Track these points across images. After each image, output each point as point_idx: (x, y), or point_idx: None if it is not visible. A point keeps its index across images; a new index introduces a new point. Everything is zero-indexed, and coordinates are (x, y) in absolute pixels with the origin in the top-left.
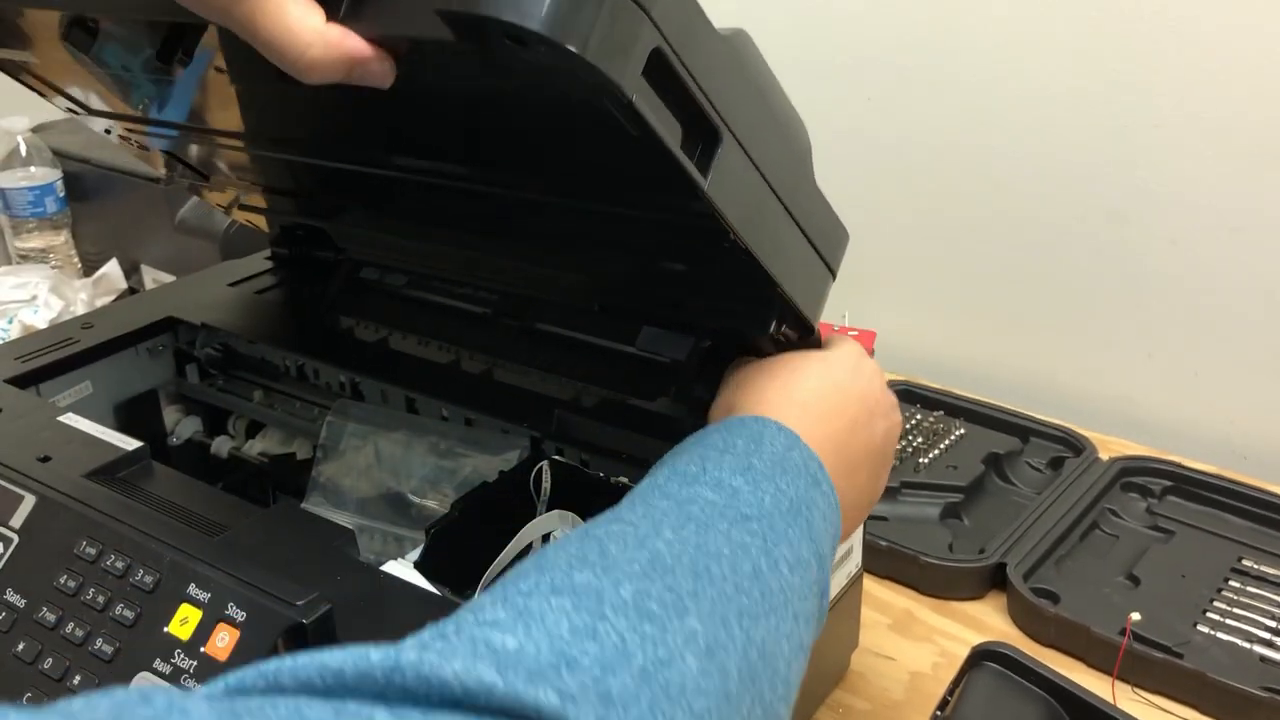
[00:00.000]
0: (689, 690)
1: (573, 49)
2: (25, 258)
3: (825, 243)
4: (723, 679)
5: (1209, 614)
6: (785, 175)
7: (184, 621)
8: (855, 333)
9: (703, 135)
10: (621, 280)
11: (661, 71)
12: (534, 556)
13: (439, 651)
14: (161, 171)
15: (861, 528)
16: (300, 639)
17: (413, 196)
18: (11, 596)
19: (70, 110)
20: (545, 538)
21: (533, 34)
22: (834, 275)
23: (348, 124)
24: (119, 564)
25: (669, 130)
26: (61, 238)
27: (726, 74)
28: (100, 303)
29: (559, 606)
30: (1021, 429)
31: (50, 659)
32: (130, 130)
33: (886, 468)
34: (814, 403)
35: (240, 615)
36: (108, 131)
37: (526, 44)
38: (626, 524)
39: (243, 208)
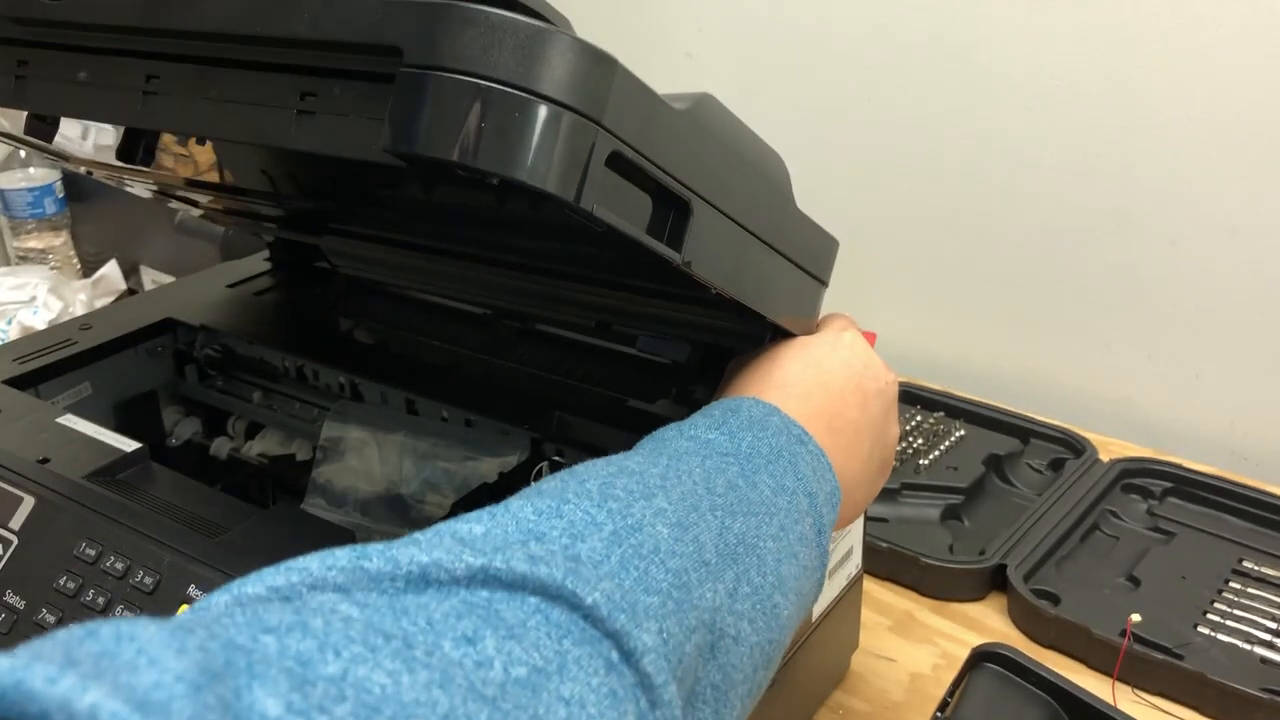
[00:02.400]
0: (662, 551)
1: (528, 181)
2: (24, 259)
3: (814, 261)
4: (697, 548)
5: (1209, 615)
6: (764, 216)
7: None
8: None
9: (673, 209)
10: (615, 302)
11: (622, 167)
12: None
13: (406, 544)
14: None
15: (862, 530)
16: None
17: (404, 218)
18: (11, 598)
19: (48, 155)
20: None
21: (483, 171)
22: (826, 285)
23: (327, 189)
24: (119, 565)
25: (636, 225)
26: (61, 239)
27: (691, 147)
28: (99, 304)
29: (524, 499)
30: (1022, 430)
31: None
32: (109, 175)
33: (889, 434)
34: (794, 383)
35: None
36: (89, 173)
37: (480, 173)
38: (600, 458)
39: (234, 215)
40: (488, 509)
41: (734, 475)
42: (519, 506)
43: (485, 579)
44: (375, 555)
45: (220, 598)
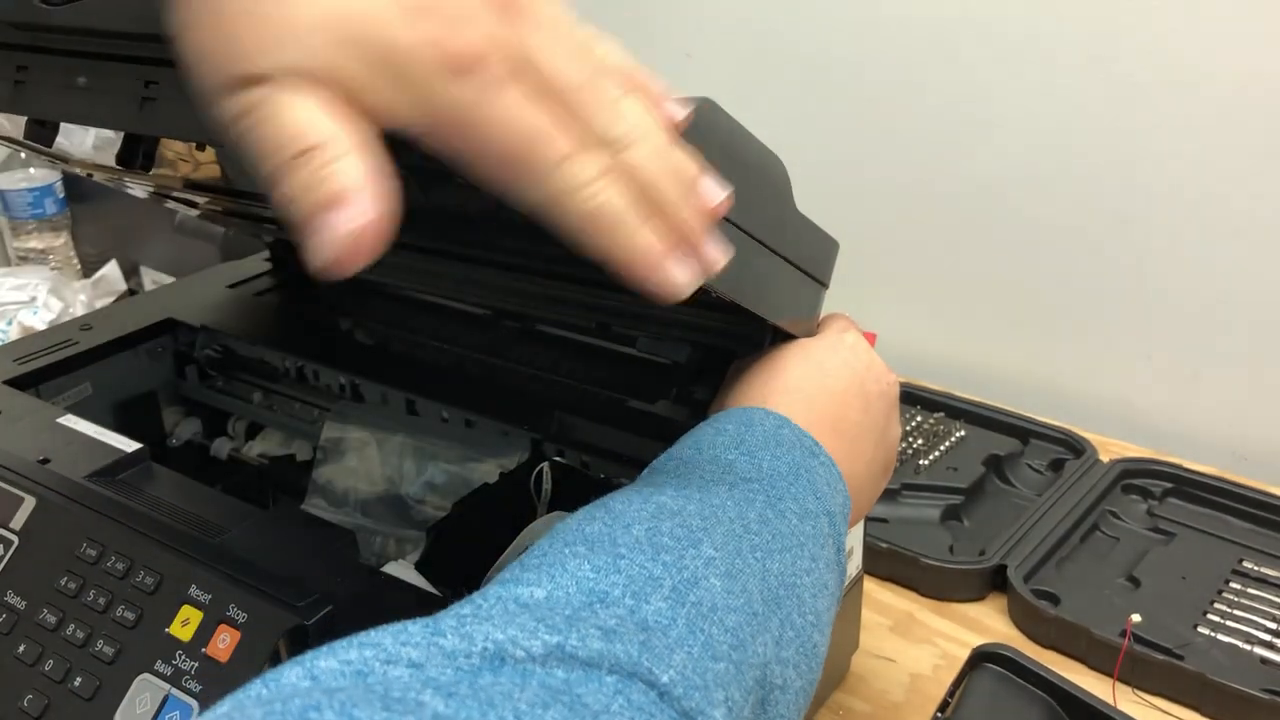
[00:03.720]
0: (719, 608)
1: None
2: (24, 259)
3: (814, 263)
4: (747, 599)
5: (1209, 616)
6: (766, 221)
7: (185, 623)
8: None
9: None
10: (615, 303)
11: None
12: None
13: (472, 616)
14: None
15: (863, 531)
16: (302, 640)
17: (403, 218)
18: (12, 598)
19: (47, 158)
20: None
21: None
22: (826, 286)
23: None
24: (119, 565)
25: None
26: (61, 239)
27: (690, 151)
28: (100, 304)
29: (576, 554)
30: (1022, 431)
31: (51, 661)
32: (109, 177)
33: (891, 435)
34: (797, 388)
35: (241, 616)
36: (89, 175)
37: None
38: (630, 490)
39: (235, 216)
40: (539, 560)
41: (762, 505)
42: (575, 565)
43: (561, 657)
44: (449, 632)
45: (292, 670)
